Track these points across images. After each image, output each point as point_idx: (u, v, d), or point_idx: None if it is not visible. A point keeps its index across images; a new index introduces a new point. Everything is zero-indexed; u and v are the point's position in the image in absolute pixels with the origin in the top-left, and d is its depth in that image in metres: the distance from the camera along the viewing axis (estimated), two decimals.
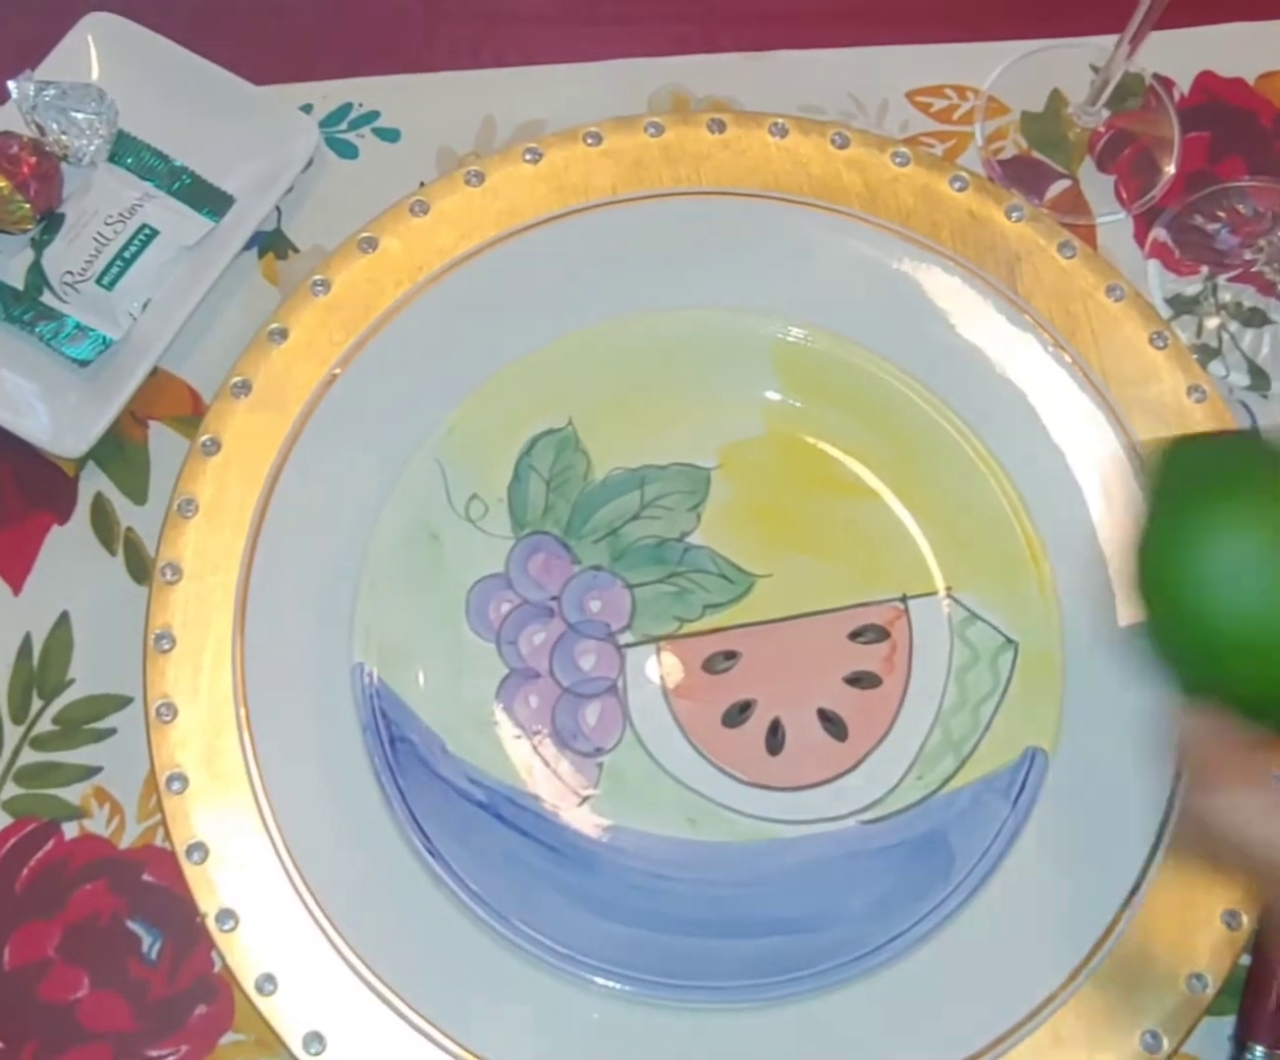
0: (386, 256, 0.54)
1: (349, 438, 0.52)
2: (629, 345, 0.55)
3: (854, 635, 0.53)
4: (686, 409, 0.55)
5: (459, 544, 0.52)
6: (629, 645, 0.52)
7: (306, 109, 0.59)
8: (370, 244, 0.55)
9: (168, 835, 0.47)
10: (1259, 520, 0.36)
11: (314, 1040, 0.45)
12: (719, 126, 0.58)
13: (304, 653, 0.49)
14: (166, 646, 0.49)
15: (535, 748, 0.50)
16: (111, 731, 0.51)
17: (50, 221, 0.54)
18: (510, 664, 0.51)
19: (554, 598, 0.52)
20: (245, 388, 0.53)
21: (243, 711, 0.49)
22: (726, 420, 0.55)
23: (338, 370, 0.53)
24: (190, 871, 0.47)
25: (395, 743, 0.48)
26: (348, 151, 0.60)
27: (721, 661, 0.52)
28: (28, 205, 0.53)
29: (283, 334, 0.53)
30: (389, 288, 0.54)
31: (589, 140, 0.58)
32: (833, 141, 0.57)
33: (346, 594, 0.50)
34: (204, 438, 0.52)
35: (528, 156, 0.57)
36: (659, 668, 0.52)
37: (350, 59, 0.62)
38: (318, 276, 0.55)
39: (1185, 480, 0.38)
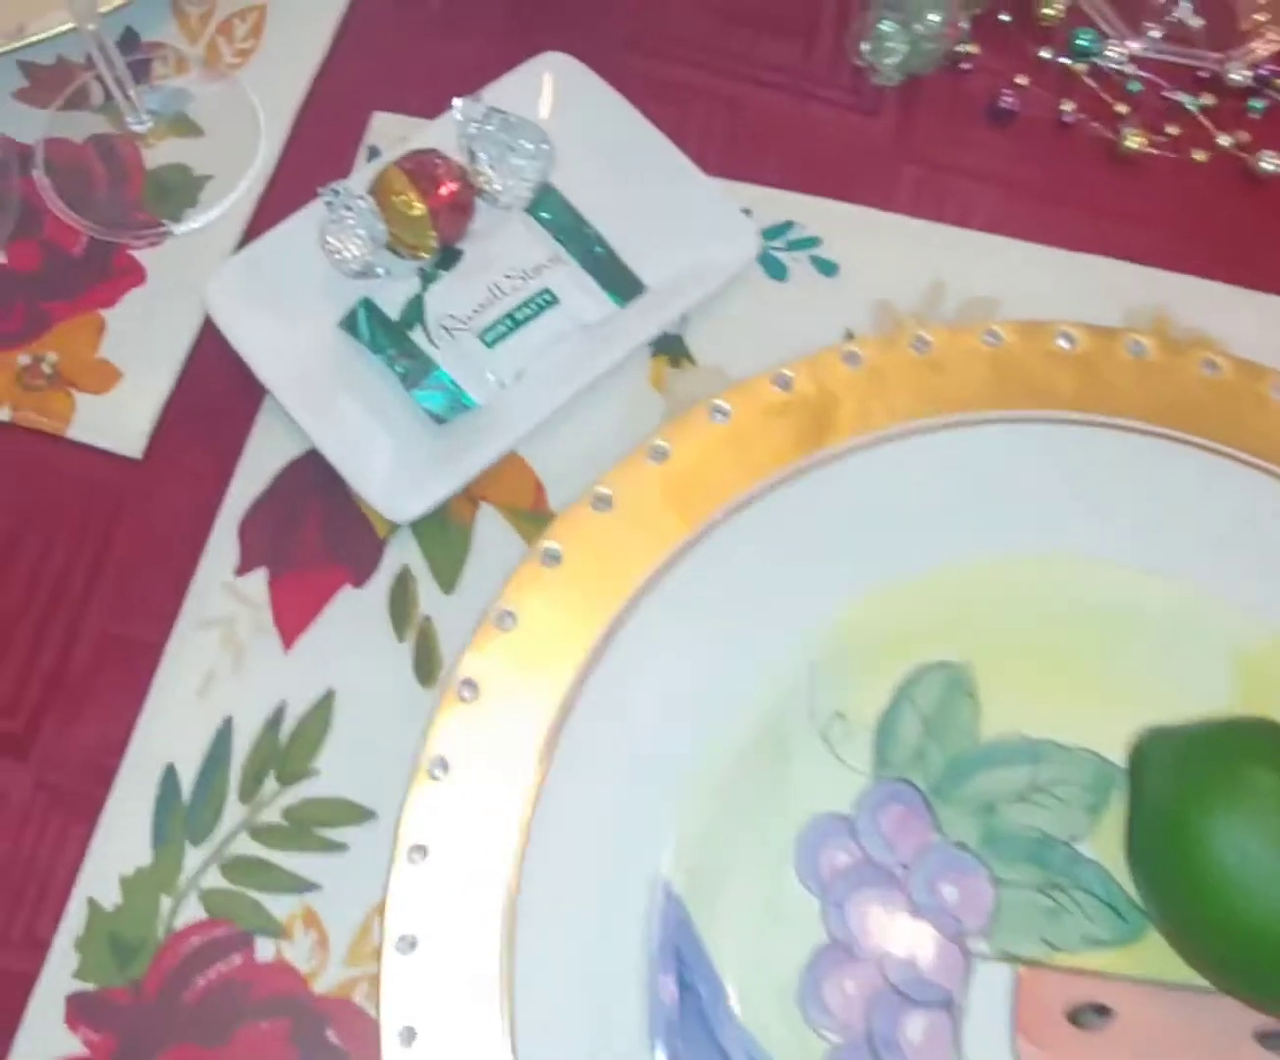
0: (799, 404, 0.47)
1: (711, 602, 0.45)
2: (1059, 590, 0.46)
3: (1263, 1037, 0.41)
4: (1108, 685, 0.45)
5: (808, 766, 0.43)
6: (981, 956, 0.42)
7: (746, 213, 0.52)
8: (784, 383, 0.48)
9: (376, 1000, 0.39)
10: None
11: None
12: (1211, 367, 0.48)
13: (600, 844, 0.41)
14: (439, 776, 0.42)
15: (836, 1049, 0.40)
16: (343, 847, 0.44)
17: (447, 257, 0.49)
18: (832, 931, 0.42)
19: (903, 865, 0.43)
20: (606, 503, 0.45)
21: (510, 875, 0.40)
22: (1154, 713, 0.44)
23: (719, 516, 0.45)
24: (391, 1054, 0.38)
25: (682, 989, 0.39)
26: (777, 270, 0.53)
27: (1091, 1015, 0.41)
28: (434, 234, 0.47)
29: (663, 454, 0.46)
30: (794, 440, 0.46)
31: (1061, 341, 0.48)
32: None
33: (664, 790, 0.41)
34: (546, 545, 0.44)
35: (987, 339, 0.48)
36: (1012, 996, 0.41)
37: (802, 172, 0.56)
38: (719, 402, 0.47)
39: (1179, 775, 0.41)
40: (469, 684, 0.43)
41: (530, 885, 0.41)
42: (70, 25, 0.50)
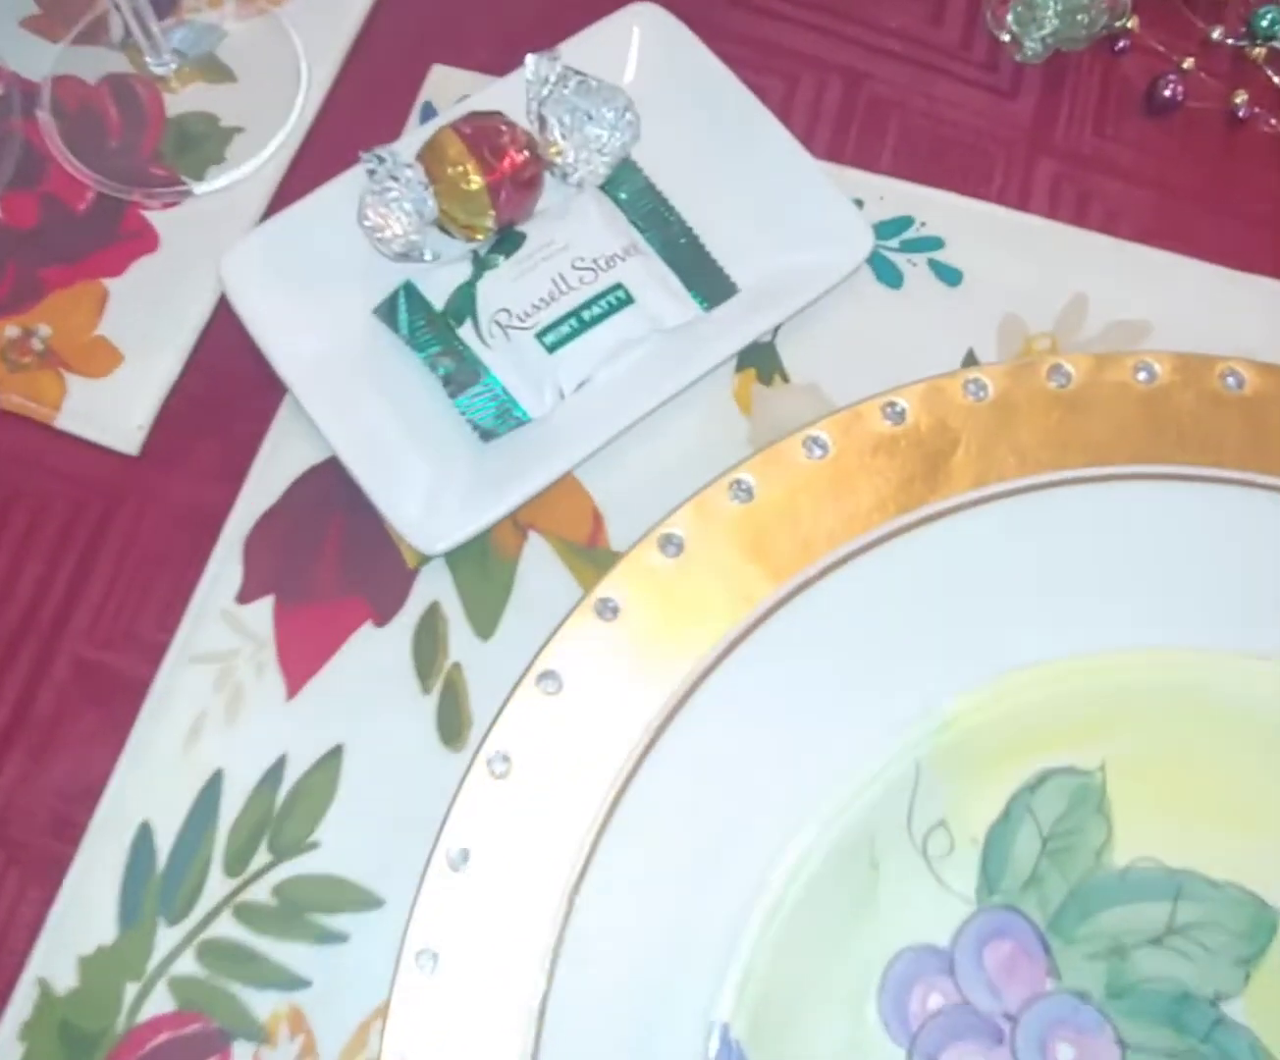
0: (911, 440, 0.39)
1: (796, 678, 0.37)
2: (1217, 690, 0.38)
3: None
4: (1272, 810, 0.37)
5: (900, 886, 0.36)
6: None
7: (857, 204, 0.44)
8: (895, 414, 0.40)
9: None
10: None
11: None
12: None
13: (647, 971, 0.34)
14: (460, 868, 0.35)
15: None
16: (341, 937, 0.37)
17: (506, 239, 0.42)
18: None
19: (1009, 1015, 0.35)
20: (676, 547, 0.38)
21: (535, 999, 0.34)
22: None
23: (811, 574, 0.37)
24: None
25: None
26: (889, 275, 0.45)
27: None
28: (492, 214, 0.40)
29: (747, 492, 0.39)
30: (904, 484, 0.39)
31: (1228, 380, 0.40)
32: None
33: (726, 907, 0.34)
34: (603, 594, 0.37)
35: (1139, 375, 0.40)
36: None
37: (925, 161, 0.48)
38: (816, 432, 0.39)
39: None
40: (502, 757, 0.36)
41: (559, 1014, 0.34)
42: None
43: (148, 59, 0.45)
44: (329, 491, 0.41)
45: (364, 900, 0.37)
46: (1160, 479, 0.40)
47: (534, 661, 0.37)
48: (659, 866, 0.36)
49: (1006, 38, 0.49)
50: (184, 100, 0.46)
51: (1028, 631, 0.38)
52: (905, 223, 0.46)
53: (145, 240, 0.44)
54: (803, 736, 0.37)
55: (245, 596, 0.40)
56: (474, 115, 0.42)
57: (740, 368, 0.44)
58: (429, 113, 0.47)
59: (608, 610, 0.38)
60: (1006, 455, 0.40)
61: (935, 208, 0.47)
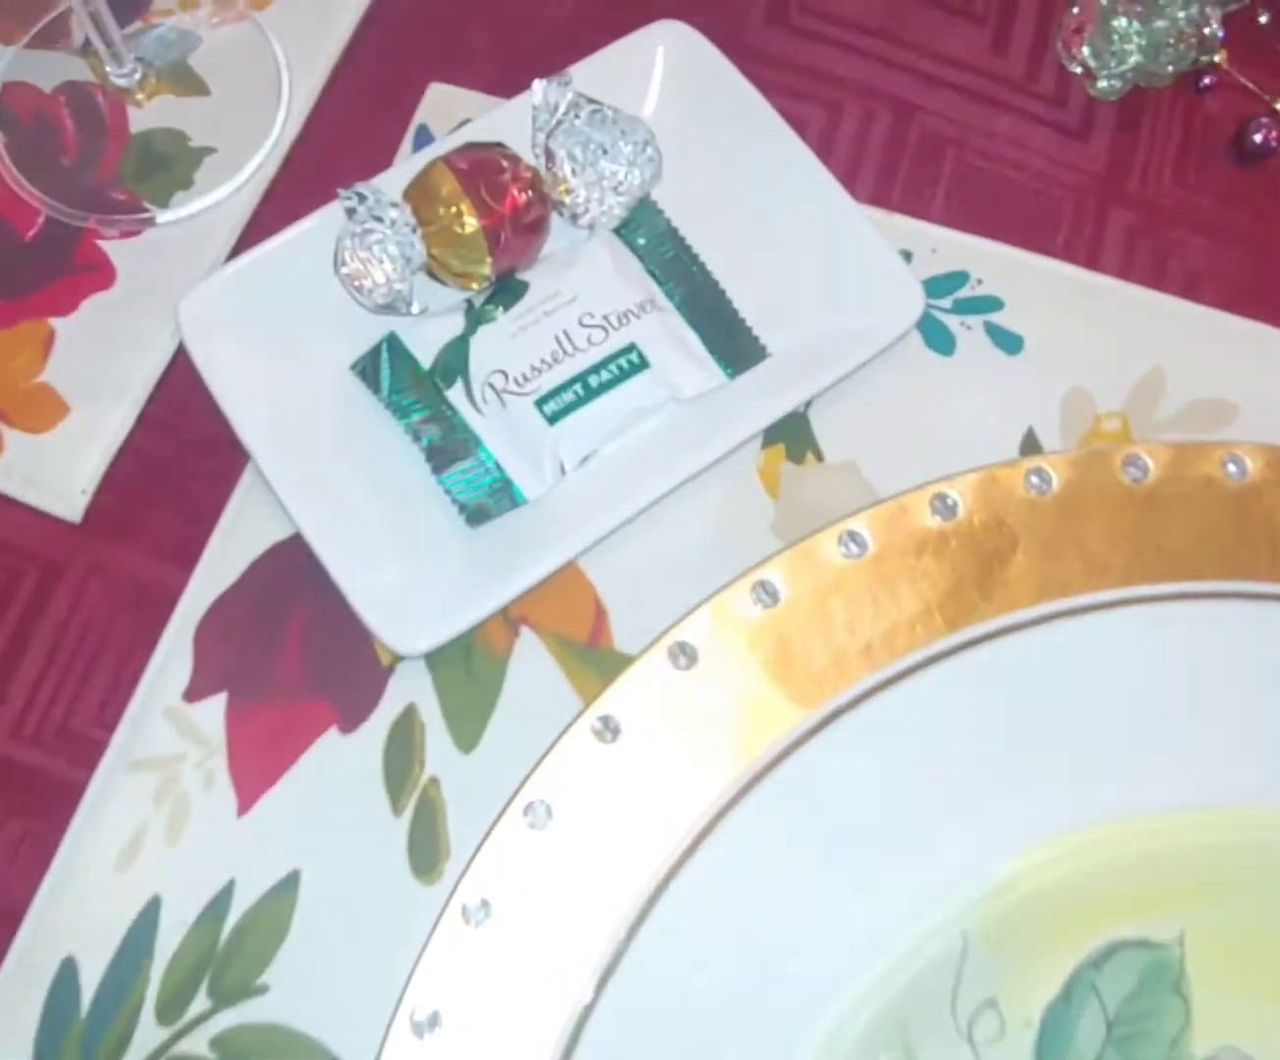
0: (963, 540, 0.34)
1: (825, 824, 0.32)
2: None
3: None
4: None
5: None
6: None
7: (905, 257, 0.39)
8: (946, 507, 0.35)
9: None
10: None
11: None
12: None
13: None
14: (427, 1033, 0.30)
15: None
16: None
17: (504, 288, 0.37)
18: None
19: None
20: (689, 657, 0.33)
21: None
22: None
23: (844, 700, 0.32)
24: None
25: None
26: (940, 340, 0.40)
27: None
28: (489, 261, 0.35)
29: (772, 595, 0.34)
30: (953, 593, 0.34)
31: None
32: None
33: None
34: (603, 710, 0.32)
35: (1229, 470, 0.35)
36: None
37: (983, 209, 0.43)
38: (854, 526, 0.34)
39: None
40: (480, 903, 0.31)
41: None
42: None
43: (108, 68, 0.40)
44: (294, 573, 0.36)
45: (317, 1058, 0.32)
46: (1253, 599, 0.35)
47: (520, 789, 0.32)
48: (659, 1048, 0.30)
49: (1079, 70, 0.44)
50: (150, 115, 0.41)
51: (1095, 782, 0.33)
52: (959, 279, 0.41)
53: (100, 274, 0.39)
54: (829, 899, 0.32)
55: (194, 693, 0.35)
56: (471, 147, 0.37)
57: (767, 442, 0.38)
58: (424, 137, 0.41)
59: (608, 730, 0.33)
60: (1072, 562, 0.35)
61: (993, 263, 0.41)
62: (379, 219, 0.35)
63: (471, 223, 0.36)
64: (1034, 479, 0.36)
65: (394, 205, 0.35)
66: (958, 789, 0.32)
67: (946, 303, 0.41)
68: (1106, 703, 0.33)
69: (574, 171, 0.37)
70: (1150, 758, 0.33)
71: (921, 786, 0.33)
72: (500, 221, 0.36)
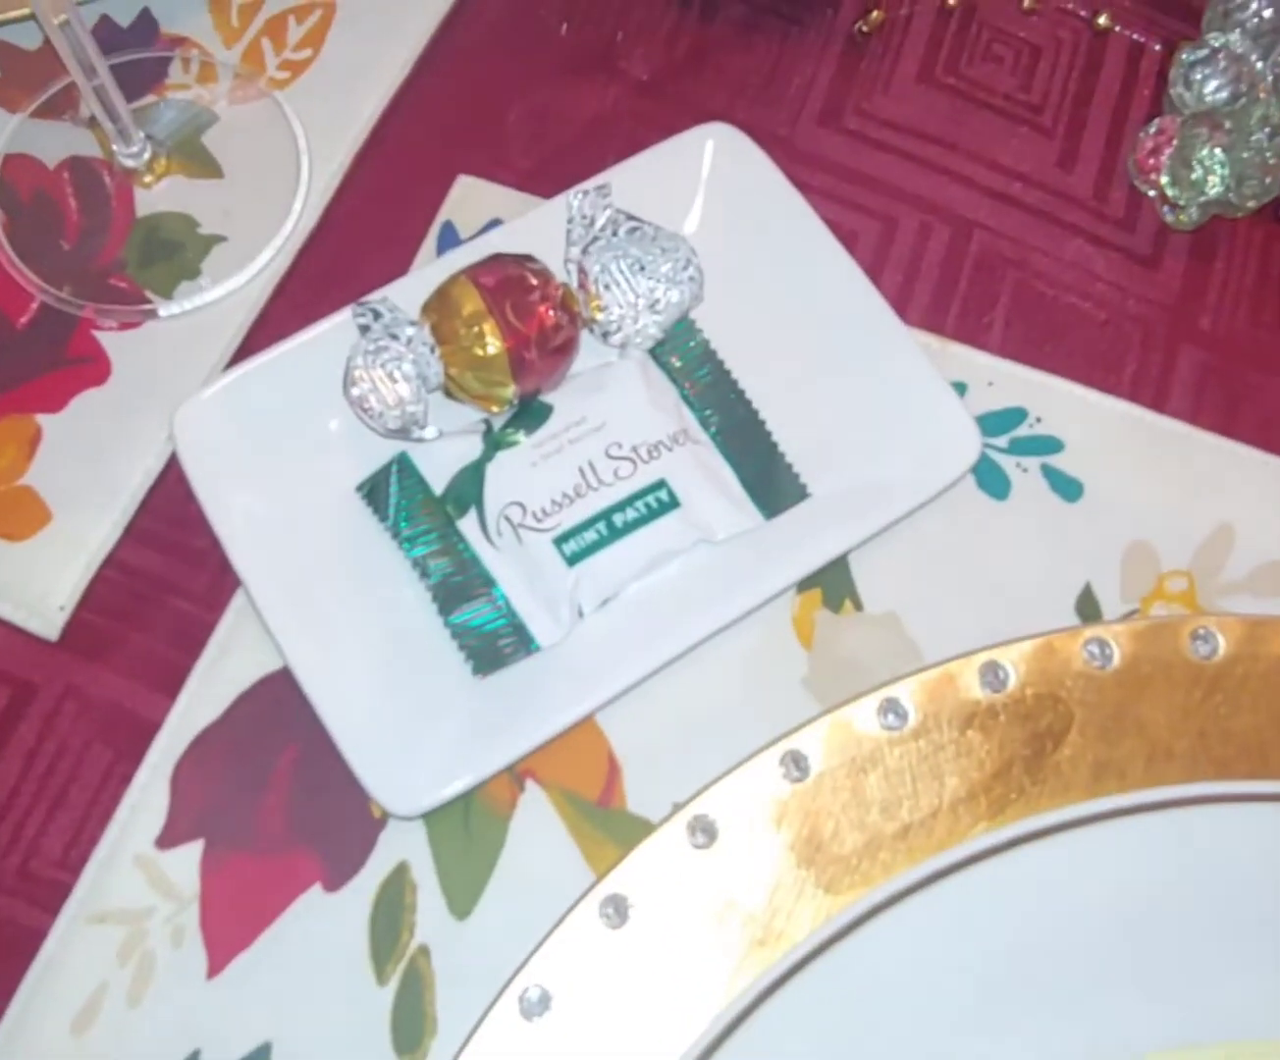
0: (1013, 714, 0.33)
1: (850, 1038, 0.28)
2: None
3: None
4: None
5: None
6: None
7: (959, 389, 0.36)
8: (996, 679, 0.32)
9: None
10: None
11: None
12: None
13: None
14: None
15: None
16: None
17: (527, 411, 0.34)
18: None
19: None
20: (708, 834, 0.30)
21: None
22: None
23: (880, 895, 0.29)
24: None
25: None
26: (995, 483, 0.37)
27: None
28: (511, 385, 0.32)
29: (802, 767, 0.31)
30: (1001, 776, 0.32)
31: None
32: None
33: None
34: (611, 889, 0.29)
35: None
36: None
37: (1044, 339, 0.40)
38: (895, 694, 0.32)
39: None
40: None
41: None
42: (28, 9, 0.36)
43: (115, 147, 0.38)
44: (283, 710, 0.33)
45: None
46: None
47: (517, 974, 0.29)
48: None
49: (1152, 193, 0.41)
50: (158, 197, 0.38)
51: (1163, 1005, 0.29)
52: (1017, 417, 0.38)
53: (95, 369, 0.36)
54: None
55: (168, 839, 0.32)
56: (498, 260, 0.34)
57: (803, 587, 0.36)
58: (449, 235, 0.39)
59: (616, 914, 0.30)
60: (1132, 744, 0.32)
61: (1054, 399, 0.39)
62: (395, 337, 0.33)
63: (495, 344, 0.33)
64: (1093, 650, 0.33)
65: (412, 323, 0.33)
66: (994, 1007, 0.29)
67: (1002, 441, 0.38)
68: (1177, 914, 0.30)
69: (607, 288, 0.35)
70: (1225, 982, 0.30)
71: (962, 998, 0.30)
72: (525, 343, 0.33)
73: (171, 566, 0.35)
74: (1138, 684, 0.33)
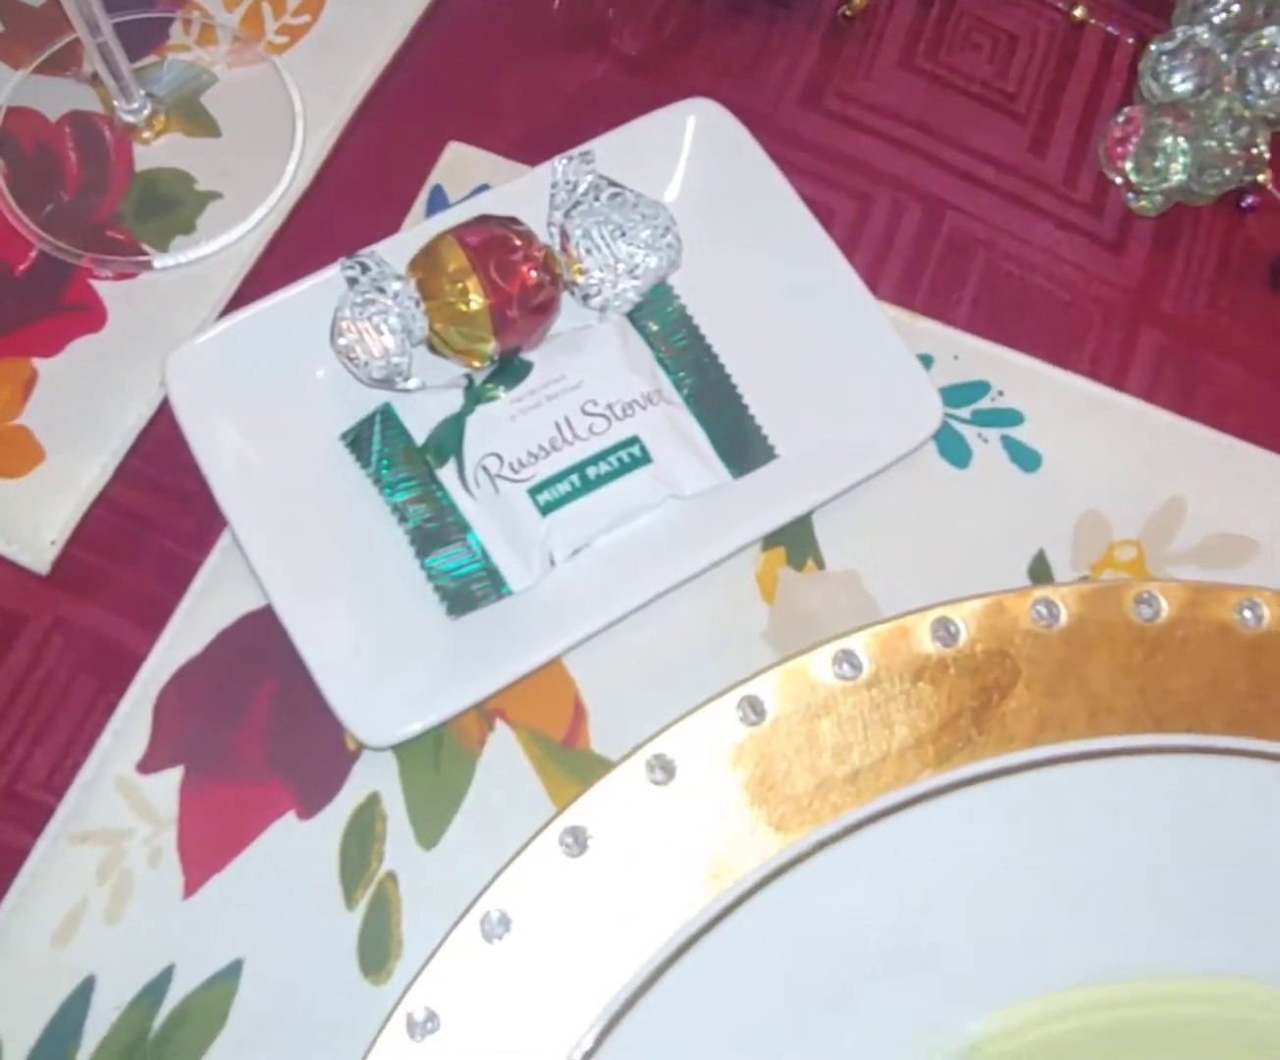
0: (962, 669, 0.34)
1: (799, 966, 0.31)
2: None
3: None
4: None
5: None
6: None
7: (925, 361, 0.37)
8: (947, 633, 0.34)
9: None
10: None
11: None
12: None
13: None
14: None
15: None
16: None
17: (507, 368, 0.35)
18: None
19: None
20: (667, 771, 0.32)
21: None
22: None
23: (827, 833, 0.31)
24: None
25: None
26: (956, 451, 0.39)
27: None
28: (493, 340, 0.33)
29: (759, 712, 0.33)
30: (947, 726, 0.33)
31: None
32: None
33: None
34: (570, 822, 0.31)
35: (1244, 616, 0.34)
36: None
37: (1009, 316, 0.42)
38: (849, 645, 0.33)
39: None
40: (428, 1015, 0.30)
41: None
42: None
43: (116, 103, 0.39)
44: (263, 647, 0.35)
45: None
46: (1264, 758, 0.33)
47: (479, 897, 0.31)
48: None
49: (1119, 180, 0.42)
50: (156, 153, 0.40)
51: (1078, 941, 0.31)
52: (980, 389, 0.40)
53: (90, 316, 0.38)
54: (795, 1041, 0.30)
55: (149, 764, 0.34)
56: (484, 221, 0.36)
57: (768, 545, 0.37)
58: (438, 199, 0.40)
59: (576, 843, 0.31)
60: (1075, 699, 0.34)
61: (1016, 374, 0.40)
62: (381, 290, 0.34)
63: (477, 301, 0.34)
64: (1041, 610, 0.35)
65: (398, 278, 0.34)
66: (936, 937, 0.31)
67: (965, 413, 0.39)
68: (1098, 857, 0.32)
69: (588, 252, 0.36)
70: (1138, 920, 0.31)
71: (899, 932, 0.31)
72: (507, 301, 0.35)
73: (160, 507, 0.36)
74: (1083, 643, 0.34)
